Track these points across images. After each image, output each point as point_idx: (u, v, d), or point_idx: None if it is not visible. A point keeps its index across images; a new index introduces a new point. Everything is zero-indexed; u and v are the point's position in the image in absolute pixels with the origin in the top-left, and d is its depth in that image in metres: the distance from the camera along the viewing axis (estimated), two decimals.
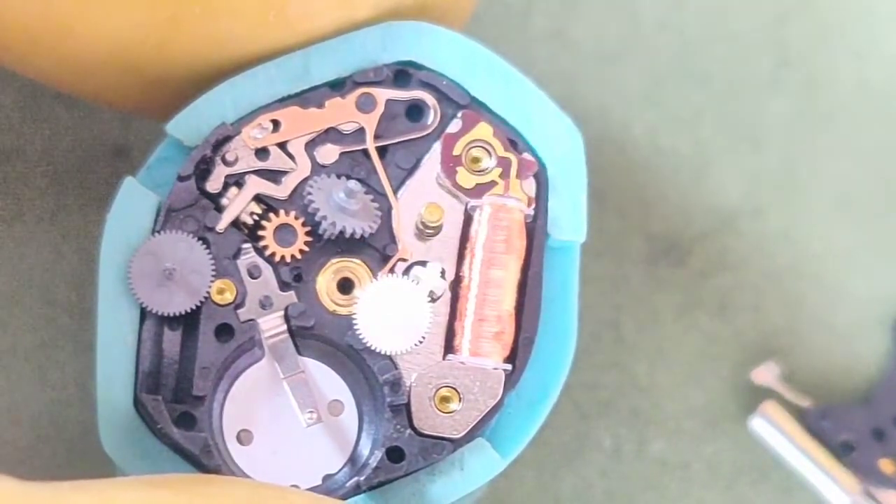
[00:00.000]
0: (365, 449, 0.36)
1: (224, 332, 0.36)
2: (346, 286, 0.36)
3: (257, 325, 0.36)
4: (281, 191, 0.36)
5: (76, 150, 0.45)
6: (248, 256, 0.36)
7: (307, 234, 0.36)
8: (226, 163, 0.36)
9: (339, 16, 0.37)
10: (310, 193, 0.36)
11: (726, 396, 0.46)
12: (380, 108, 0.37)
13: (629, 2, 0.48)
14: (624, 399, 0.46)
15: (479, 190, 0.37)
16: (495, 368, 0.36)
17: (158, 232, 0.35)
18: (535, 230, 0.37)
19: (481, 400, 0.36)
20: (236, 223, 0.36)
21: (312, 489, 0.35)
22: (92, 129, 0.45)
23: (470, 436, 0.36)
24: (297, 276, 0.36)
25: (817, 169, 0.48)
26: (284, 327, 0.36)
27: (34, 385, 0.43)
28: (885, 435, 0.45)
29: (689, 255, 0.47)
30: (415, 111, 0.37)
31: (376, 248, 0.36)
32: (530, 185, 0.37)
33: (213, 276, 0.35)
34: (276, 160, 0.36)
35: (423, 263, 0.36)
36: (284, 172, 0.36)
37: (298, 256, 0.36)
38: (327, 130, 0.37)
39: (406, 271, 0.36)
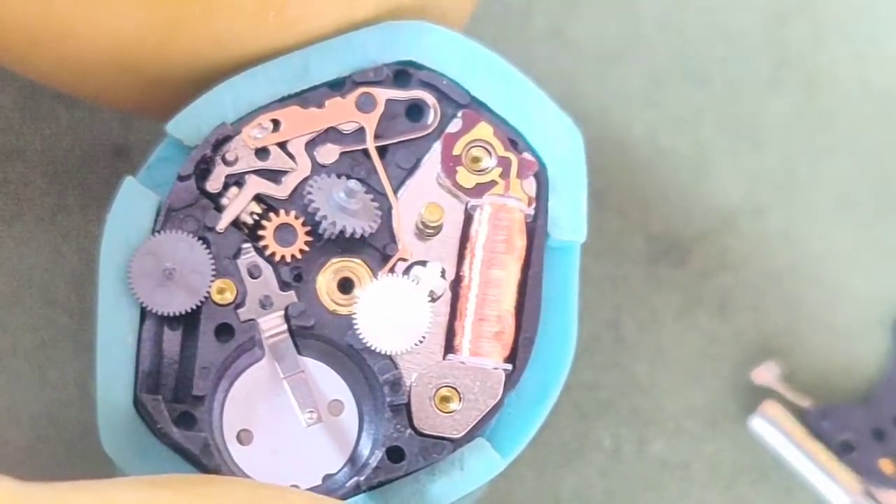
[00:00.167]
0: (365, 449, 0.36)
1: (224, 331, 0.36)
2: (346, 286, 0.36)
3: (257, 324, 0.36)
4: (281, 190, 0.36)
5: (76, 150, 0.45)
6: (249, 256, 0.36)
7: (307, 233, 0.36)
8: (226, 162, 0.36)
9: (339, 16, 0.37)
10: (310, 193, 0.36)
11: (726, 396, 0.46)
12: (380, 108, 0.37)
13: (629, 2, 0.48)
14: (624, 399, 0.46)
15: (480, 190, 0.37)
16: (495, 368, 0.36)
17: (158, 232, 0.35)
18: (536, 230, 0.37)
19: (481, 400, 0.36)
20: (236, 223, 0.36)
21: (312, 489, 0.35)
22: (92, 129, 0.45)
23: (470, 436, 0.36)
24: (297, 276, 0.36)
25: (817, 169, 0.48)
26: (284, 327, 0.36)
27: (34, 385, 0.43)
28: (885, 435, 0.45)
29: (689, 255, 0.47)
30: (415, 111, 0.37)
31: (376, 248, 0.36)
32: (530, 185, 0.37)
33: (213, 275, 0.35)
34: (277, 160, 0.36)
35: (423, 263, 0.36)
36: (284, 172, 0.36)
37: (298, 256, 0.36)
38: (327, 130, 0.37)
39: (406, 271, 0.36)
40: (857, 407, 0.45)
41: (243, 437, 0.36)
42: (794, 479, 0.45)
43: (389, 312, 0.35)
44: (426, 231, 0.36)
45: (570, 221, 0.37)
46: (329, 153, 0.36)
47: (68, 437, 0.43)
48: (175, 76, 0.37)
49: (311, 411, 0.36)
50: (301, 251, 0.36)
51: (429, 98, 0.37)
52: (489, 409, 0.36)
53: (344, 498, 0.35)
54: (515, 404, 0.37)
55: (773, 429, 0.45)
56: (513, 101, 0.37)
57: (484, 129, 0.37)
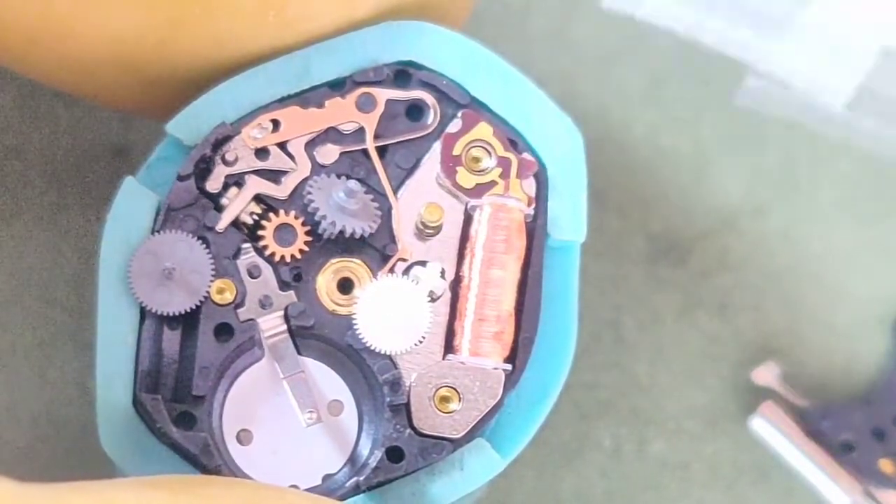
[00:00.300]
0: (365, 449, 0.36)
1: (224, 331, 0.36)
2: (345, 286, 0.36)
3: (257, 324, 0.36)
4: (281, 191, 0.36)
5: (76, 150, 0.45)
6: (248, 256, 0.36)
7: (307, 233, 0.36)
8: (226, 162, 0.36)
9: (339, 16, 0.37)
10: (310, 193, 0.36)
11: (726, 396, 0.46)
12: (380, 108, 0.37)
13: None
14: (624, 399, 0.46)
15: (479, 190, 0.37)
16: (495, 368, 0.36)
17: (158, 231, 0.35)
18: (535, 230, 0.37)
19: (481, 400, 0.36)
20: (236, 223, 0.36)
21: (312, 489, 0.35)
22: (92, 128, 0.45)
23: (470, 436, 0.36)
24: (296, 276, 0.36)
25: (818, 169, 0.48)
26: (284, 327, 0.36)
27: (34, 384, 0.43)
28: (885, 435, 0.45)
29: (689, 254, 0.47)
30: (415, 111, 0.37)
31: (376, 248, 0.36)
32: (530, 185, 0.37)
33: (212, 275, 0.35)
34: (276, 160, 0.36)
35: (422, 263, 0.36)
36: (284, 172, 0.36)
37: (298, 256, 0.36)
38: (327, 130, 0.37)
39: (406, 271, 0.36)
40: (857, 407, 0.45)
41: (243, 437, 0.36)
42: (794, 479, 0.45)
43: (389, 312, 0.35)
44: (426, 231, 0.36)
45: (569, 221, 0.37)
46: (329, 153, 0.36)
47: (68, 437, 0.43)
48: (175, 76, 0.37)
49: (310, 411, 0.36)
50: (301, 251, 0.36)
51: (429, 98, 0.37)
52: (489, 409, 0.36)
53: (343, 498, 0.35)
54: (515, 404, 0.37)
55: (773, 429, 0.45)
56: (513, 101, 0.37)
57: (484, 130, 0.37)
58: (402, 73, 0.37)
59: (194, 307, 0.35)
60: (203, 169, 0.36)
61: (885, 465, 0.45)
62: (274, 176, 0.36)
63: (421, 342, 0.35)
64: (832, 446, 0.45)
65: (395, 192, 0.36)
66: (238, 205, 0.36)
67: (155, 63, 0.36)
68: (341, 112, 0.37)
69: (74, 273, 0.44)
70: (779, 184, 0.47)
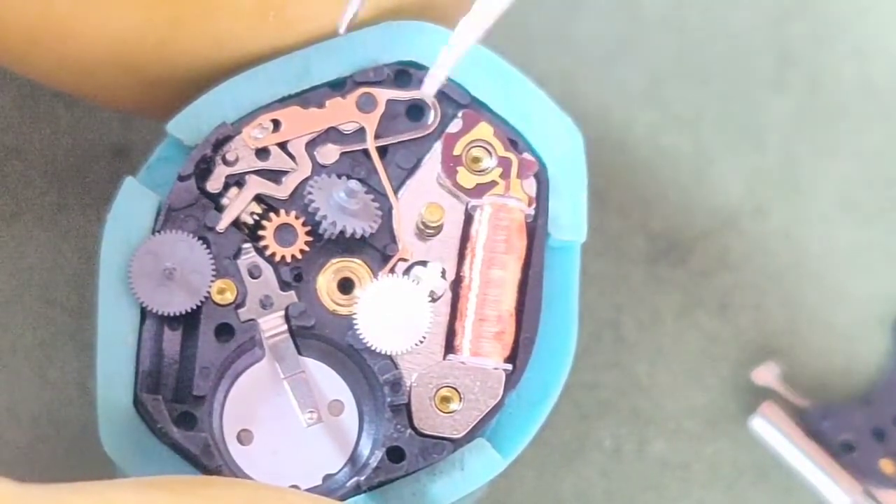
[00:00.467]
0: (365, 449, 0.36)
1: (224, 331, 0.36)
2: (346, 286, 0.36)
3: (258, 324, 0.36)
4: (281, 191, 0.36)
5: (76, 150, 0.45)
6: (249, 256, 0.36)
7: (307, 233, 0.36)
8: (226, 163, 0.36)
9: (339, 16, 0.37)
10: (310, 193, 0.36)
11: (726, 396, 0.46)
12: (380, 108, 0.37)
13: (629, 1, 0.48)
14: (624, 399, 0.46)
15: (480, 190, 0.37)
16: (496, 368, 0.36)
17: (159, 231, 0.35)
18: (536, 230, 0.37)
19: (482, 400, 0.36)
20: (237, 223, 0.36)
21: (312, 489, 0.35)
22: (92, 129, 0.45)
23: (470, 436, 0.36)
24: (297, 276, 0.36)
25: (818, 168, 0.48)
26: (285, 327, 0.36)
27: (34, 384, 0.43)
28: (885, 435, 0.45)
29: (689, 254, 0.47)
30: (415, 111, 0.37)
31: (377, 248, 0.36)
32: (531, 185, 0.37)
33: (213, 275, 0.35)
34: (277, 160, 0.36)
35: (423, 263, 0.36)
36: (285, 172, 0.36)
37: (299, 256, 0.36)
38: (328, 130, 0.37)
39: (406, 271, 0.36)
40: (857, 407, 0.45)
41: (243, 438, 0.36)
42: (794, 479, 0.45)
43: (390, 313, 0.35)
44: (426, 231, 0.36)
45: (570, 221, 0.37)
46: (329, 153, 0.36)
47: (68, 437, 0.43)
48: (175, 76, 0.37)
49: (311, 411, 0.36)
50: (301, 251, 0.36)
51: (429, 98, 0.37)
52: (489, 409, 0.36)
53: (344, 498, 0.35)
54: (516, 404, 0.37)
55: (773, 429, 0.45)
56: (513, 101, 0.37)
57: (484, 130, 0.37)
58: (403, 73, 0.37)
59: (195, 307, 0.35)
60: (203, 169, 0.36)
61: (885, 465, 0.45)
62: (274, 176, 0.36)
63: (421, 342, 0.35)
64: (832, 446, 0.45)
65: (396, 192, 0.36)
66: (238, 205, 0.36)
67: (155, 63, 0.36)
68: (342, 112, 0.37)
69: (75, 273, 0.44)
70: (779, 184, 0.47)
